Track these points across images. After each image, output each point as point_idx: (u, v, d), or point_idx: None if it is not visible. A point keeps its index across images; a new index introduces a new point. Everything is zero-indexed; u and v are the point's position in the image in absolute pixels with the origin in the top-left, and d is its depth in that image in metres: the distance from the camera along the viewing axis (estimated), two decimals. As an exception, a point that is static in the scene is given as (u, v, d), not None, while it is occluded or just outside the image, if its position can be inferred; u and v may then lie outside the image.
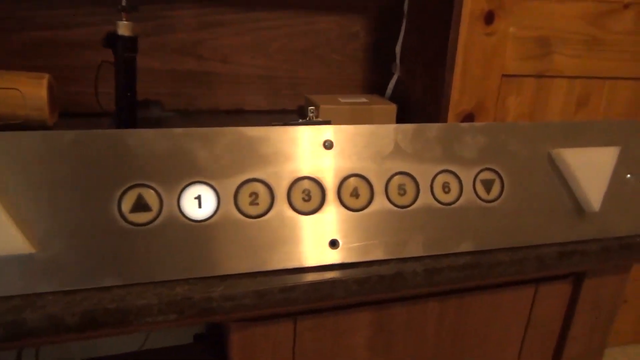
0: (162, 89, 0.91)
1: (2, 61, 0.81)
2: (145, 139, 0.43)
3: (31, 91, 0.70)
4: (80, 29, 0.84)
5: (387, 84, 0.99)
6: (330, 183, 0.47)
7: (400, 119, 0.88)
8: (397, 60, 0.96)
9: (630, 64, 1.04)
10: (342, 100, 0.86)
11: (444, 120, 0.85)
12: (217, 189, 0.44)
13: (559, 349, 0.64)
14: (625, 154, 0.56)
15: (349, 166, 0.48)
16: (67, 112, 0.81)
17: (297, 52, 0.97)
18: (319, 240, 0.47)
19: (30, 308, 0.39)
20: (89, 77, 0.78)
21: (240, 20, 0.92)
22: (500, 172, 0.52)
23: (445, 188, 0.50)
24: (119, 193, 0.42)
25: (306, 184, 0.47)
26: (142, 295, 0.41)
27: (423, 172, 0.50)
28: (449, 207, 0.50)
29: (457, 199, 0.51)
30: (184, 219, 0.43)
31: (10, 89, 0.69)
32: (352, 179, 0.48)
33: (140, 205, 0.42)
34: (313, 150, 0.47)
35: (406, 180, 0.49)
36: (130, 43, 0.72)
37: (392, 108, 0.87)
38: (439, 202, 0.50)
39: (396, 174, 0.49)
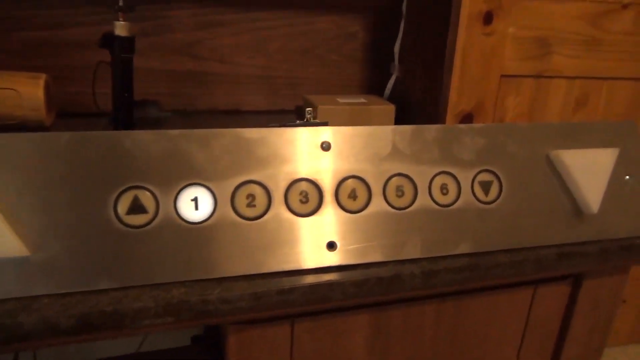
0: (161, 89, 0.91)
1: (-1, 61, 0.81)
2: (141, 141, 0.42)
3: (28, 91, 0.69)
4: (78, 28, 0.84)
5: (386, 84, 0.99)
6: (327, 185, 0.47)
7: (399, 119, 0.88)
8: (396, 61, 0.96)
9: (629, 64, 1.04)
10: (340, 100, 0.86)
11: (443, 121, 0.85)
12: (214, 191, 0.44)
13: (557, 350, 0.64)
14: (623, 155, 0.56)
15: (346, 168, 0.48)
16: (65, 112, 0.81)
17: (295, 52, 0.97)
18: (316, 242, 0.46)
19: (25, 311, 0.38)
20: (87, 77, 0.78)
21: (239, 20, 0.92)
22: (498, 173, 0.52)
23: (444, 190, 0.50)
24: (115, 195, 0.42)
25: (303, 185, 0.46)
26: (138, 298, 0.41)
27: (421, 174, 0.50)
28: (447, 208, 0.50)
29: (455, 201, 0.50)
30: (180, 221, 0.43)
31: (7, 89, 0.69)
32: (349, 181, 0.48)
33: (137, 207, 0.42)
34: (310, 151, 0.47)
35: (404, 181, 0.49)
36: (127, 43, 0.71)
37: (391, 108, 0.87)
38: (437, 203, 0.50)
39: (394, 175, 0.49)
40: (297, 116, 0.90)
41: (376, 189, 0.48)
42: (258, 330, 0.48)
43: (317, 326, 0.51)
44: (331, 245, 0.47)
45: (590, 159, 0.54)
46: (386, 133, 0.49)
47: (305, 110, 0.56)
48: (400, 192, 0.49)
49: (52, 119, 0.74)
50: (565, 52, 0.99)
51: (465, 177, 0.51)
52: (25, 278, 0.40)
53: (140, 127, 0.78)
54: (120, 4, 0.70)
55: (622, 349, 1.36)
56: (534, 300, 0.59)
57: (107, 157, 0.42)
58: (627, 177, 0.56)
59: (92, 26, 0.83)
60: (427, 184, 0.50)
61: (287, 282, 0.44)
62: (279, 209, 0.46)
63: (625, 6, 0.99)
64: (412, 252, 0.49)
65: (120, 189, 0.42)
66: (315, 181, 0.47)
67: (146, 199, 0.42)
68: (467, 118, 0.96)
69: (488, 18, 0.90)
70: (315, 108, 0.81)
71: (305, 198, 0.46)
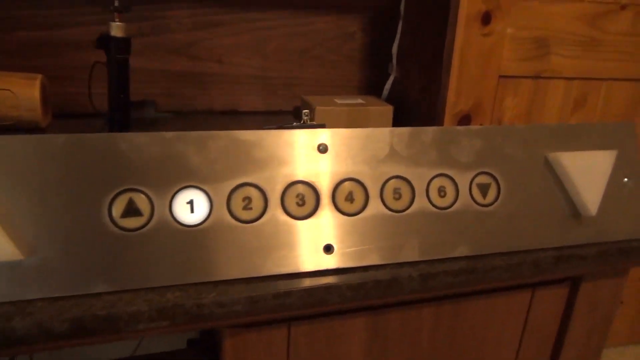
0: (158, 89, 0.91)
1: (-5, 61, 0.80)
2: (136, 143, 0.42)
3: (24, 92, 0.69)
4: (75, 29, 0.83)
5: (384, 85, 0.98)
6: (324, 187, 0.47)
7: (397, 119, 0.88)
8: (394, 61, 0.96)
9: (628, 65, 1.03)
10: (338, 101, 0.85)
11: (441, 121, 0.85)
12: (210, 194, 0.44)
13: (556, 352, 0.64)
14: (622, 157, 0.56)
15: (343, 170, 0.47)
16: (62, 113, 0.81)
17: (293, 53, 0.96)
18: (313, 245, 0.46)
19: (19, 315, 0.38)
20: (83, 78, 0.78)
21: (236, 21, 0.91)
22: (496, 176, 0.52)
23: (441, 192, 0.50)
24: (109, 198, 0.41)
25: (300, 188, 0.46)
26: (132, 302, 0.40)
27: (419, 176, 0.49)
28: (444, 211, 0.50)
29: (453, 203, 0.50)
30: (175, 224, 0.43)
31: (3, 89, 0.68)
32: (346, 183, 0.47)
33: (131, 210, 0.42)
34: (307, 154, 0.46)
35: (401, 184, 0.49)
36: (123, 44, 0.71)
37: (389, 109, 0.86)
38: (434, 206, 0.50)
39: (391, 178, 0.48)
40: (295, 117, 0.89)
41: (373, 192, 0.48)
42: (254, 334, 0.48)
43: (314, 330, 0.50)
44: (328, 248, 0.46)
45: (589, 161, 0.54)
46: (384, 135, 0.48)
47: (302, 111, 0.56)
48: (397, 195, 0.48)
49: (48, 120, 0.74)
50: (564, 52, 0.99)
51: (463, 179, 0.51)
52: (19, 282, 0.39)
53: (137, 127, 0.77)
54: (116, 4, 0.69)
55: (619, 349, 1.36)
56: (532, 303, 0.59)
57: (102, 160, 0.41)
58: (626, 179, 0.56)
59: (88, 26, 0.83)
60: (425, 187, 0.49)
61: (283, 286, 0.44)
62: (276, 211, 0.45)
63: (623, 7, 0.99)
64: (410, 255, 0.49)
65: (115, 192, 0.41)
66: (312, 184, 0.46)
67: (141, 201, 0.42)
68: (465, 119, 0.95)
69: (486, 18, 0.90)
70: (312, 109, 0.80)
71: (302, 201, 0.46)
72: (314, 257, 0.46)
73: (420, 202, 0.49)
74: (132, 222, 0.42)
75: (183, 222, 0.43)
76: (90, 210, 0.41)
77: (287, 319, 0.49)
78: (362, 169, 0.48)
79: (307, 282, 0.45)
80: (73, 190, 0.40)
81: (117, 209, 0.41)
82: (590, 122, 1.05)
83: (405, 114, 0.90)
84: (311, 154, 0.46)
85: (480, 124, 0.97)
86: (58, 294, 0.40)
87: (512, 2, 0.91)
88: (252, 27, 0.92)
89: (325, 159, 0.47)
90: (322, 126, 0.49)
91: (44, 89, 0.71)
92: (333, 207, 0.47)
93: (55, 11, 0.82)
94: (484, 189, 0.51)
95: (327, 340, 0.51)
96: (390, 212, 0.48)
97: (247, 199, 0.44)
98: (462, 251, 0.50)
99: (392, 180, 0.48)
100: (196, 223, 0.43)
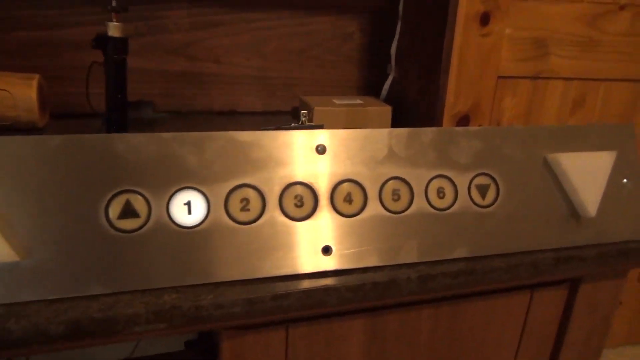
0: (156, 89, 0.90)
1: (-8, 61, 0.80)
2: (133, 144, 0.42)
3: (21, 92, 0.69)
4: (74, 29, 0.83)
5: (383, 85, 0.98)
6: (323, 188, 0.46)
7: (395, 120, 0.88)
8: (393, 62, 0.96)
9: (626, 65, 1.03)
10: (336, 102, 0.85)
11: (440, 122, 0.85)
12: (207, 195, 0.43)
13: (555, 354, 0.63)
14: (621, 158, 0.55)
15: (342, 171, 0.47)
16: (59, 113, 0.80)
17: (292, 53, 0.96)
18: (311, 247, 0.46)
19: (15, 317, 0.38)
20: (81, 78, 0.77)
21: (235, 21, 0.91)
22: (495, 177, 0.51)
23: (440, 193, 0.49)
24: (106, 199, 0.41)
25: (298, 189, 0.46)
26: (129, 304, 0.40)
27: (417, 177, 0.49)
28: (443, 212, 0.50)
29: (452, 205, 0.50)
30: (173, 225, 0.42)
31: (0, 90, 0.68)
32: (345, 184, 0.47)
33: (128, 212, 0.41)
34: (305, 155, 0.46)
35: (400, 185, 0.48)
36: (120, 44, 0.71)
37: (387, 110, 0.86)
38: (433, 207, 0.49)
39: (390, 179, 0.48)
40: (293, 117, 0.89)
41: (372, 193, 0.48)
42: (252, 335, 0.48)
43: (312, 331, 0.50)
44: (326, 250, 0.46)
45: (588, 162, 0.54)
46: (382, 136, 0.48)
47: (300, 112, 0.56)
48: (396, 196, 0.48)
49: (45, 120, 0.73)
50: (562, 53, 0.98)
51: (462, 180, 0.50)
52: (15, 284, 0.39)
53: (135, 128, 0.77)
54: (113, 4, 0.69)
55: (618, 350, 1.36)
56: (531, 305, 0.59)
57: (99, 161, 0.41)
58: (625, 180, 0.56)
59: (86, 26, 0.83)
60: (424, 188, 0.49)
61: (281, 287, 0.44)
62: (274, 213, 0.45)
63: (622, 7, 0.99)
64: (409, 256, 0.48)
65: (112, 193, 0.41)
66: (310, 185, 0.46)
67: (138, 203, 0.42)
68: (464, 119, 0.95)
69: (485, 19, 0.90)
70: (311, 110, 0.80)
71: (300, 202, 0.46)
72: (312, 259, 0.46)
73: (419, 203, 0.49)
74: (129, 224, 0.41)
75: (180, 224, 0.43)
76: (87, 211, 0.41)
77: (285, 320, 0.48)
78: (360, 170, 0.47)
79: (306, 284, 0.45)
80: (70, 192, 0.40)
81: (114, 210, 0.41)
82: (589, 122, 1.05)
83: (404, 115, 0.90)
84: (309, 154, 0.46)
85: (479, 125, 0.97)
86: (54, 295, 0.40)
87: (511, 3, 0.91)
88: (251, 27, 0.92)
89: (323, 160, 0.46)
90: (321, 127, 0.48)
91: (41, 89, 0.71)
92: (331, 209, 0.47)
93: (54, 11, 0.82)
94: (483, 190, 0.51)
95: (326, 341, 0.51)
96: (388, 214, 0.48)
97: (245, 200, 0.44)
98: (461, 252, 0.50)
99: (391, 182, 0.48)
100: (194, 224, 0.43)
